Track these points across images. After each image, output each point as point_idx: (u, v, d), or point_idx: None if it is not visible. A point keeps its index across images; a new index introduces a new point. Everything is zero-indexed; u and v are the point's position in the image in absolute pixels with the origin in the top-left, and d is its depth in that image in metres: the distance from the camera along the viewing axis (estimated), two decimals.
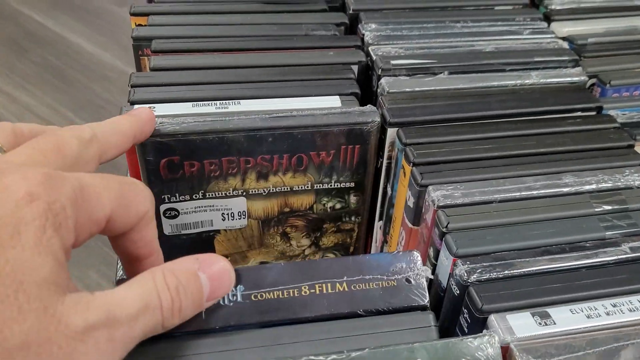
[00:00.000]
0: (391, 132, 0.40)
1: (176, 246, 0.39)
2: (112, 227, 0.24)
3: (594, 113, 0.42)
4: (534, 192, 0.36)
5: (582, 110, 0.42)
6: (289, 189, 0.39)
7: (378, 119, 0.38)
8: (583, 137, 0.40)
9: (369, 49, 0.45)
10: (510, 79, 0.43)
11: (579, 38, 0.48)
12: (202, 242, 0.40)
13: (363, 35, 0.47)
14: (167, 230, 0.39)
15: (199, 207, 0.38)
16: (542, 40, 0.47)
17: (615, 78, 0.45)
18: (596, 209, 0.35)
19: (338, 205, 0.40)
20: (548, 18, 0.50)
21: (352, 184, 0.40)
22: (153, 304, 0.23)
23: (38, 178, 0.21)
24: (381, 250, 0.45)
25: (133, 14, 0.47)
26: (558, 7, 0.51)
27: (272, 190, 0.38)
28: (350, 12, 0.49)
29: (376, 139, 0.38)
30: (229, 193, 0.38)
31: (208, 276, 0.25)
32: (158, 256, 0.28)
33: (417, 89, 0.42)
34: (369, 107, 0.38)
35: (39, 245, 0.20)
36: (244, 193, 0.38)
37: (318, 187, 0.39)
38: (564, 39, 0.48)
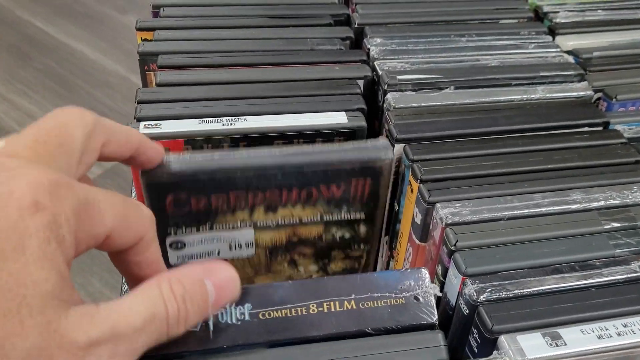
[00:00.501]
0: (398, 148, 0.40)
1: None
2: (110, 244, 0.24)
3: (600, 128, 0.42)
4: (542, 209, 0.36)
5: (589, 125, 0.42)
6: (298, 221, 0.38)
7: (391, 155, 0.37)
8: (590, 153, 0.40)
9: (375, 63, 0.45)
10: (516, 93, 0.43)
11: (584, 52, 0.48)
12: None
13: (369, 49, 0.47)
14: (172, 261, 0.38)
15: (206, 238, 0.38)
16: (548, 54, 0.47)
17: (621, 92, 0.45)
18: (605, 227, 0.35)
19: (347, 235, 0.40)
20: (553, 32, 0.50)
21: (363, 215, 0.39)
22: (160, 314, 0.22)
23: (45, 185, 0.21)
24: (387, 266, 0.45)
25: (139, 29, 0.48)
26: (562, 21, 0.51)
27: (281, 222, 0.38)
28: (356, 26, 0.49)
29: (389, 174, 0.38)
30: (237, 225, 0.38)
31: (214, 284, 0.25)
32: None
33: (423, 104, 0.42)
34: (382, 142, 0.37)
35: (42, 258, 0.20)
36: (252, 225, 0.38)
37: (328, 219, 0.39)
38: (569, 52, 0.48)
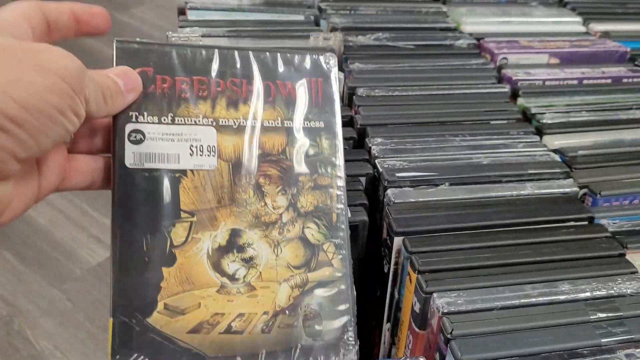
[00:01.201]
0: (397, 241, 0.43)
1: (138, 187, 0.36)
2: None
3: (586, 223, 0.45)
4: (532, 299, 0.38)
5: (575, 220, 0.45)
6: (259, 124, 0.39)
7: (335, 61, 0.41)
8: (576, 246, 0.43)
9: (376, 161, 0.49)
10: (507, 190, 0.47)
11: (569, 150, 0.52)
12: (167, 186, 0.37)
13: (370, 148, 0.51)
14: (129, 161, 0.36)
15: (166, 134, 0.37)
16: (535, 153, 0.51)
17: (605, 189, 0.48)
18: (591, 317, 0.37)
19: (311, 151, 0.40)
20: (540, 131, 0.55)
21: (322, 124, 0.40)
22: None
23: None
24: (389, 353, 0.47)
25: None
26: (549, 122, 0.55)
27: (242, 123, 0.38)
28: (358, 126, 0.53)
29: (336, 78, 0.41)
30: (199, 121, 0.38)
31: (115, 74, 0.35)
32: None
33: (420, 199, 0.46)
34: (328, 53, 0.42)
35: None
36: (214, 123, 0.38)
37: (288, 125, 0.39)
38: (555, 151, 0.52)
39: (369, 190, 0.48)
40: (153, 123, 0.37)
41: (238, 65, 0.39)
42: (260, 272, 0.37)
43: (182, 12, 0.68)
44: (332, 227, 0.39)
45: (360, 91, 0.57)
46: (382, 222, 0.46)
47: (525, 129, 0.54)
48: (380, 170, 0.48)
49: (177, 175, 0.37)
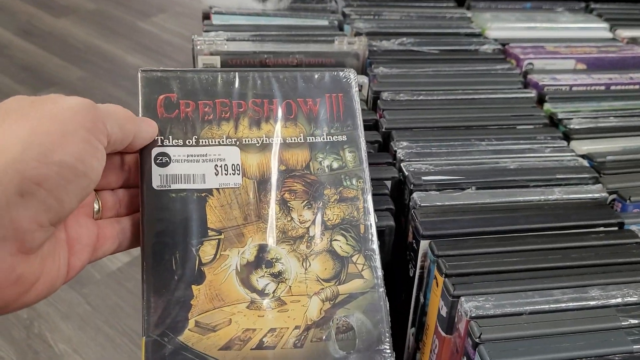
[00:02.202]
0: (424, 244, 0.43)
1: (166, 208, 0.37)
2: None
3: (616, 228, 0.44)
4: (562, 304, 0.37)
5: (605, 225, 0.44)
6: (282, 141, 0.39)
7: (354, 75, 0.42)
8: (607, 252, 0.42)
9: (401, 165, 0.49)
10: (534, 194, 0.46)
11: (597, 156, 0.51)
12: (194, 205, 0.37)
13: (395, 152, 0.51)
14: (156, 183, 0.37)
15: (191, 155, 0.38)
16: (563, 158, 0.50)
17: (635, 194, 0.47)
18: (623, 323, 0.36)
19: (335, 165, 0.40)
20: (567, 137, 0.54)
21: (345, 137, 0.41)
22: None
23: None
24: (413, 358, 0.47)
25: None
26: (576, 127, 0.55)
27: (265, 141, 0.39)
28: (383, 130, 0.53)
29: (357, 91, 0.42)
30: (222, 141, 0.39)
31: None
32: None
33: (447, 203, 0.45)
34: (347, 69, 0.43)
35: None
36: (237, 142, 0.39)
37: (311, 140, 0.40)
38: (583, 156, 0.51)
39: (394, 194, 0.48)
40: (178, 146, 0.38)
41: (258, 86, 0.40)
42: (290, 287, 0.37)
43: (206, 16, 0.69)
44: (360, 238, 0.39)
45: (384, 95, 0.57)
46: (408, 225, 0.46)
47: (553, 133, 0.54)
48: (406, 173, 0.48)
49: (204, 195, 0.38)
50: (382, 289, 0.38)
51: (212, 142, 0.39)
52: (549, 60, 0.64)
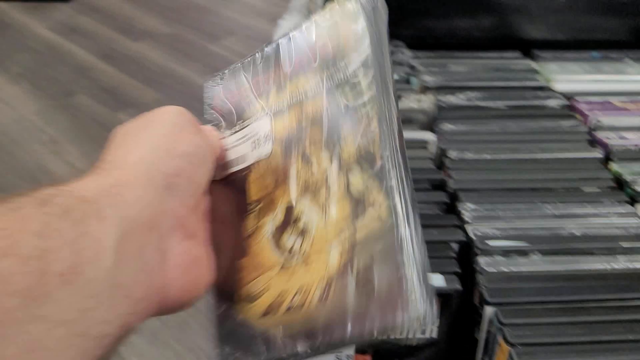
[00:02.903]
0: (489, 310, 0.45)
1: (220, 195, 0.38)
2: None
3: None
4: None
5: None
6: (303, 96, 0.39)
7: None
8: None
9: (467, 227, 0.51)
10: (599, 262, 0.48)
11: None
12: (239, 185, 0.39)
13: (461, 213, 0.53)
14: None
15: (238, 139, 0.40)
16: (628, 224, 0.52)
17: None
18: None
19: (351, 102, 0.37)
20: (634, 200, 0.55)
21: (359, 64, 0.37)
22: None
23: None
24: None
25: None
26: None
27: (290, 100, 0.39)
28: (451, 191, 0.56)
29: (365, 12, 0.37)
30: (258, 116, 0.40)
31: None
32: None
33: (512, 269, 0.47)
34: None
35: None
36: (269, 112, 0.40)
37: (329, 85, 0.37)
38: None
39: (459, 254, 0.51)
40: (229, 136, 0.41)
41: (280, 52, 0.40)
42: (313, 238, 0.36)
43: None
44: (377, 174, 0.35)
45: (452, 154, 0.59)
46: (474, 287, 0.48)
47: (618, 197, 0.55)
48: (473, 237, 0.50)
49: (244, 174, 0.39)
50: (403, 229, 0.33)
51: (250, 121, 0.40)
52: (616, 117, 0.65)
